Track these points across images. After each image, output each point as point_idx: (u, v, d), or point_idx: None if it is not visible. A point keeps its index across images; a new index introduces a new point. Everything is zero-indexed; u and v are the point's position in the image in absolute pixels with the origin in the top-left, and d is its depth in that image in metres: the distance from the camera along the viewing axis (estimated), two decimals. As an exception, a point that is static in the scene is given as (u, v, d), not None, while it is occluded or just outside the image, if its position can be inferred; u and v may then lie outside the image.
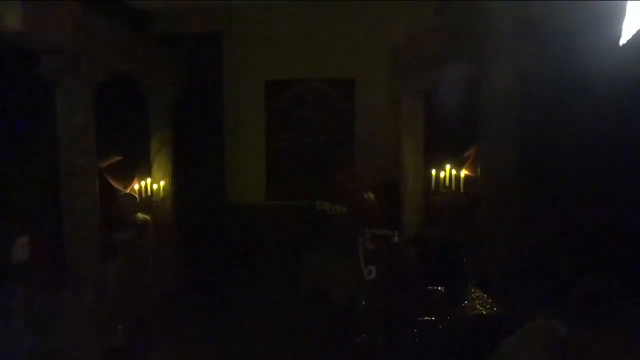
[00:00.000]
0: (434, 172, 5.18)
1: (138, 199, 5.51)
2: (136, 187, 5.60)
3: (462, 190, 4.94)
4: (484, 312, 3.31)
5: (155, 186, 5.76)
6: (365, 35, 6.52)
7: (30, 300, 3.53)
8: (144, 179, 5.68)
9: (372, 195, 5.67)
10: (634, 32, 1.94)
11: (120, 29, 4.80)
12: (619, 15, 1.98)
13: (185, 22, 6.86)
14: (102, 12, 4.36)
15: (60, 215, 4.28)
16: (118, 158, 5.39)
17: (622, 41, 1.97)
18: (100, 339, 4.33)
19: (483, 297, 3.49)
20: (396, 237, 4.46)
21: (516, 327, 2.69)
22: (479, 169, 4.78)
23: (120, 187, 5.50)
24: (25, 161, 4.13)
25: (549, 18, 3.29)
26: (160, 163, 6.09)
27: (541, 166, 4.09)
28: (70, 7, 3.84)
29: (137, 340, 4.64)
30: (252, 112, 6.97)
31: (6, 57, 3.85)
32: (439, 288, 3.66)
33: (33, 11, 3.30)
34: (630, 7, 1.94)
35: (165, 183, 6.02)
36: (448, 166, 5.04)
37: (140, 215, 5.51)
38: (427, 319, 3.31)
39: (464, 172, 4.99)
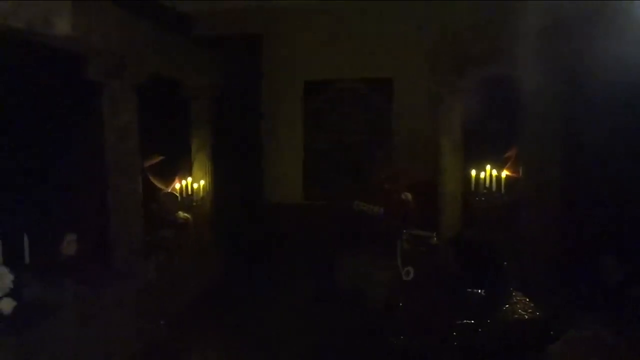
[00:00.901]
0: (473, 172, 5.08)
1: (179, 198, 5.63)
2: (177, 186, 5.72)
3: (502, 191, 4.83)
4: (526, 317, 3.22)
5: (195, 185, 5.87)
6: (403, 34, 6.46)
7: (77, 294, 3.67)
8: (185, 178, 5.80)
9: (409, 196, 5.61)
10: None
11: (163, 32, 4.91)
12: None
13: (224, 24, 6.97)
14: (144, 16, 4.48)
15: (106, 213, 4.43)
16: (160, 158, 5.52)
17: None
18: (143, 333, 4.46)
19: (525, 301, 3.40)
20: (435, 239, 4.39)
21: (560, 333, 2.61)
22: (521, 170, 4.67)
23: (162, 186, 5.64)
24: (73, 162, 4.28)
25: (594, 16, 3.19)
26: (201, 163, 6.21)
27: (585, 166, 3.96)
28: (115, 11, 3.96)
29: (179, 335, 4.75)
30: (291, 112, 7.02)
31: (55, 60, 4.00)
32: (479, 291, 3.59)
33: (82, 16, 3.42)
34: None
35: (205, 182, 6.13)
36: (488, 167, 4.93)
37: (181, 213, 5.64)
38: (466, 323, 3.24)
39: (505, 173, 4.88)
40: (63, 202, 4.06)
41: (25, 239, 2.99)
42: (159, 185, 5.61)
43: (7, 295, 2.49)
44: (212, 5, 6.62)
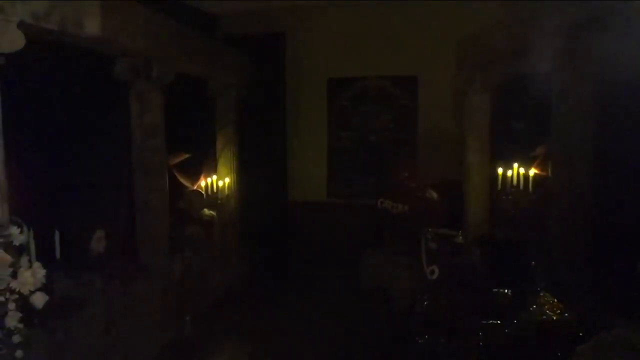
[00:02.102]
0: (500, 170, 5.00)
1: (204, 196, 5.69)
2: (203, 184, 5.78)
3: (530, 189, 4.74)
4: (554, 318, 3.16)
5: (220, 183, 5.93)
6: (427, 31, 6.41)
7: (105, 289, 3.74)
8: (210, 176, 5.87)
9: (435, 194, 5.57)
10: None
11: (188, 32, 4.97)
12: None
13: (249, 23, 7.02)
14: (171, 16, 4.54)
15: (133, 210, 4.51)
16: (186, 156, 5.59)
17: None
18: (169, 328, 4.53)
19: (553, 302, 3.33)
20: (460, 237, 4.35)
21: (589, 336, 2.55)
22: (550, 168, 4.57)
23: (188, 184, 5.71)
24: (101, 160, 4.37)
25: (628, 11, 3.09)
26: (226, 161, 6.26)
27: (617, 164, 3.86)
28: (143, 12, 4.02)
29: (204, 330, 4.81)
30: (315, 110, 7.03)
31: (84, 60, 4.08)
32: (506, 291, 3.53)
33: (110, 16, 3.48)
34: None
35: (230, 180, 6.18)
36: (515, 165, 4.85)
37: (206, 211, 5.70)
38: (492, 323, 3.20)
39: (533, 171, 4.79)
40: (92, 200, 4.14)
41: (57, 235, 3.07)
42: (185, 182, 5.68)
43: (39, 289, 2.55)
44: (236, 5, 6.68)
